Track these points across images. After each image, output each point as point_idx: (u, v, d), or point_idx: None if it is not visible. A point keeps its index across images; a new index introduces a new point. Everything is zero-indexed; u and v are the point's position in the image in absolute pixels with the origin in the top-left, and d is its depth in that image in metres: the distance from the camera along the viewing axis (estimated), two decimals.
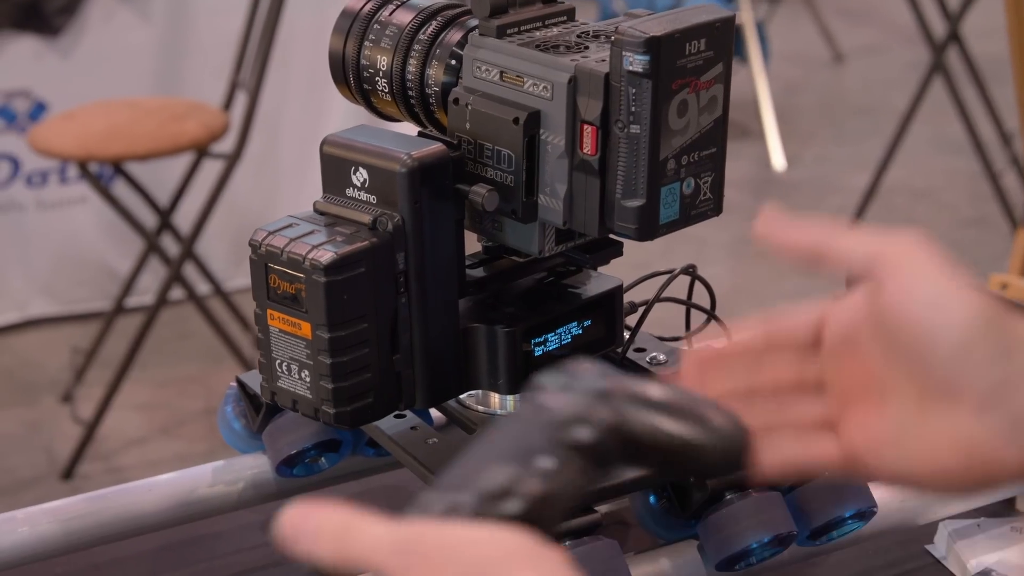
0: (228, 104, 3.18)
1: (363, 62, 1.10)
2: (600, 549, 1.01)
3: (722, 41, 0.98)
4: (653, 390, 0.69)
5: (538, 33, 1.03)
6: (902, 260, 0.71)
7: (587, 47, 1.01)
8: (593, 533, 1.02)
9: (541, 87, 0.99)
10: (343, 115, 3.46)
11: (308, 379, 1.00)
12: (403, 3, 1.09)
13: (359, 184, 1.01)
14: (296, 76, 3.57)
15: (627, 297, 1.16)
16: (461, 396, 1.12)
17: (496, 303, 1.08)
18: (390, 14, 1.09)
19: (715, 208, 1.03)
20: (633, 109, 0.96)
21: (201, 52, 3.55)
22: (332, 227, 1.01)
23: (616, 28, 0.96)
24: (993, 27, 4.39)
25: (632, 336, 1.16)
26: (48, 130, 2.98)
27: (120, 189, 3.28)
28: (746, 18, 4.64)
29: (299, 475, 1.17)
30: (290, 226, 1.01)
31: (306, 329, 0.99)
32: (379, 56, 1.08)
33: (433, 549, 0.60)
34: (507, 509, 0.63)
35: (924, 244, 0.71)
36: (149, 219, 3.24)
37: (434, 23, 1.07)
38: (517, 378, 1.06)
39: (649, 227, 0.99)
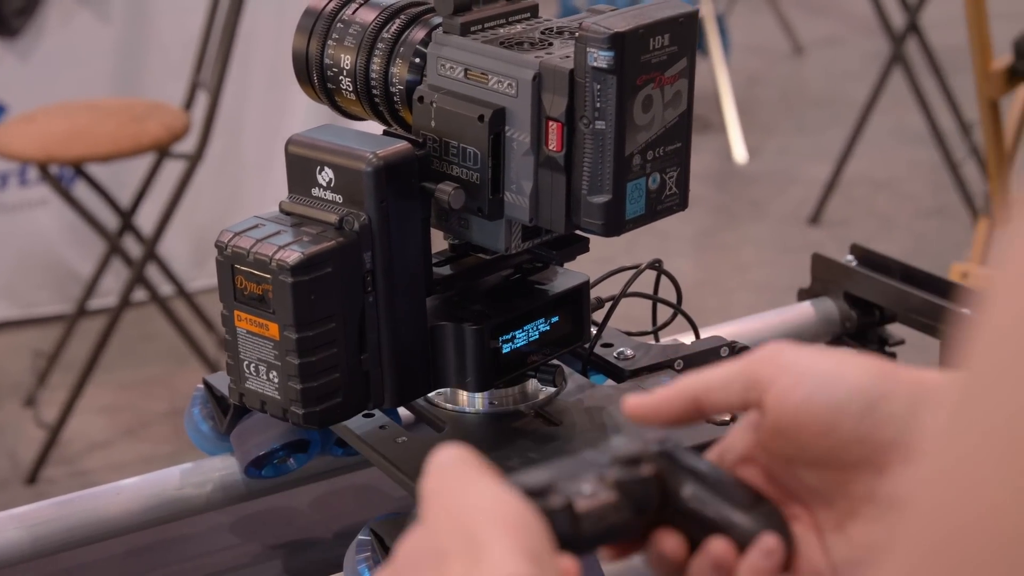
0: (189, 104, 3.17)
1: (327, 61, 1.09)
2: None
3: (686, 36, 0.98)
4: (706, 465, 0.72)
5: (502, 30, 1.03)
6: (774, 367, 0.72)
7: (551, 43, 1.01)
8: None
9: (506, 84, 0.99)
10: (305, 114, 3.45)
11: (276, 380, 1.00)
12: (366, 1, 1.09)
13: (325, 184, 1.01)
14: (257, 75, 3.56)
15: (593, 293, 1.16)
16: (429, 394, 1.12)
17: (463, 301, 1.08)
18: (353, 12, 1.09)
19: (681, 203, 1.03)
20: (598, 105, 0.96)
21: (160, 52, 3.54)
22: (298, 227, 1.00)
23: (580, 24, 0.97)
24: (951, 18, 4.41)
25: (599, 332, 1.16)
26: (8, 132, 2.96)
27: (80, 191, 3.26)
28: (706, 11, 4.66)
29: (268, 476, 1.17)
30: (256, 227, 1.01)
31: (274, 330, 0.99)
32: (343, 55, 1.08)
33: (452, 488, 0.64)
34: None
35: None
36: (110, 221, 3.22)
37: (397, 21, 1.07)
38: (486, 375, 1.06)
39: (616, 223, 0.99)
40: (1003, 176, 2.80)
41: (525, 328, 1.08)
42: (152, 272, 3.22)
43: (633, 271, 1.19)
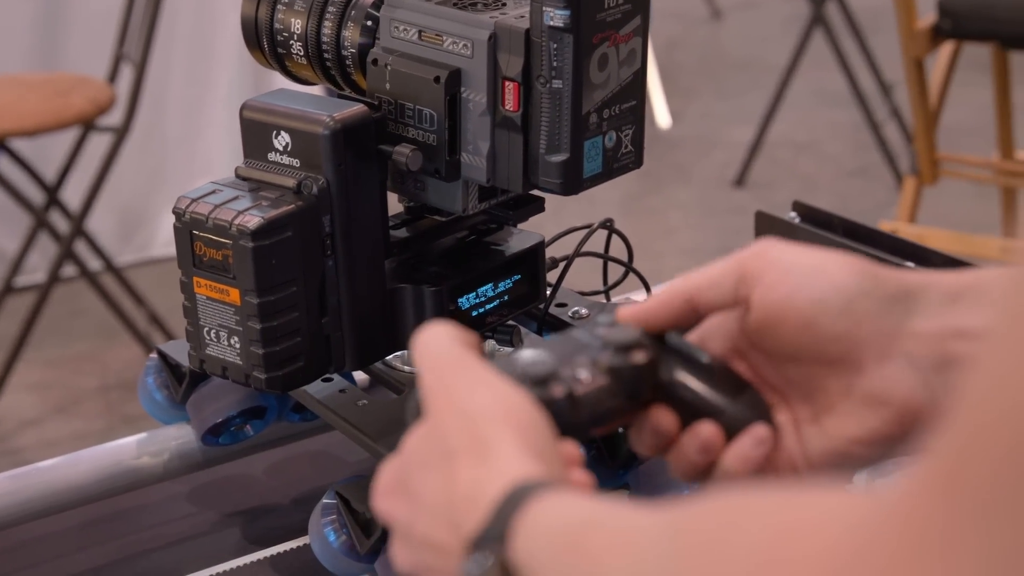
0: (113, 77, 3.14)
1: (276, 26, 1.09)
2: None
3: None
4: (696, 351, 0.74)
5: None
6: (762, 263, 0.73)
7: (504, 4, 1.01)
8: None
9: (461, 45, 1.00)
10: (228, 86, 3.42)
11: (238, 345, 1.00)
12: None
13: (281, 148, 1.01)
14: (179, 48, 3.53)
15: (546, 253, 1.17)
16: (387, 357, 1.12)
17: (420, 263, 1.09)
18: None
19: (636, 161, 1.04)
20: (555, 64, 0.97)
21: (81, 25, 3.49)
22: (256, 192, 1.00)
23: None
24: None
25: (554, 291, 1.17)
26: None
27: (4, 166, 3.22)
28: None
29: (225, 443, 1.17)
30: (213, 192, 1.00)
31: (234, 295, 0.99)
32: (293, 19, 1.08)
33: (451, 385, 0.66)
34: (537, 395, 0.69)
35: (772, 241, 0.75)
36: (34, 196, 3.19)
37: None
38: None
39: (574, 181, 1.00)
40: (928, 134, 2.84)
41: (482, 289, 1.09)
42: (78, 247, 3.19)
43: (585, 231, 1.19)
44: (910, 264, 1.30)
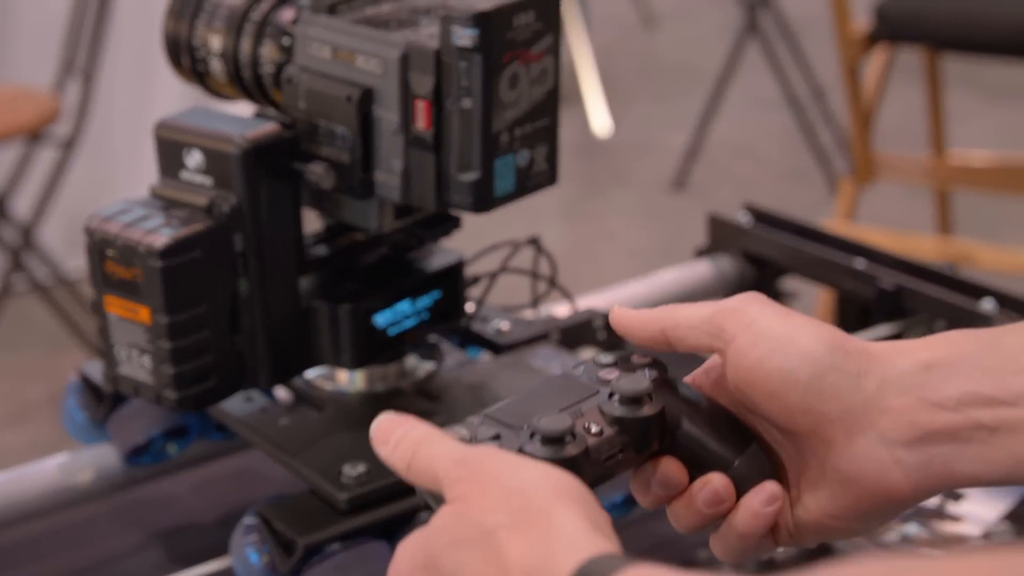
0: (58, 87, 3.13)
1: (195, 43, 1.09)
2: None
3: (550, 13, 0.99)
4: (702, 401, 0.74)
5: (369, 10, 1.03)
6: (739, 322, 0.72)
7: (418, 23, 1.01)
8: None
9: (373, 63, 1.00)
10: (175, 97, 3.40)
11: (149, 365, 1.00)
12: None
13: (193, 167, 1.01)
14: (125, 58, 3.51)
15: (471, 267, 1.17)
16: (309, 375, 1.12)
17: (339, 280, 1.09)
18: None
19: (550, 178, 1.04)
20: (464, 83, 0.97)
21: (24, 36, 3.48)
22: (167, 211, 1.00)
23: (444, 3, 0.97)
24: None
25: (478, 308, 1.17)
26: None
27: None
28: None
29: (147, 463, 1.16)
30: (124, 211, 1.00)
31: (144, 314, 0.99)
32: (211, 36, 1.08)
33: (486, 468, 0.65)
34: (554, 454, 0.68)
35: (754, 299, 0.73)
36: None
37: (265, 2, 1.06)
38: (362, 353, 1.07)
39: (485, 200, 1.00)
40: (863, 135, 2.86)
41: (401, 306, 1.09)
42: (28, 258, 3.19)
43: (510, 247, 1.20)
44: (860, 260, 1.32)
